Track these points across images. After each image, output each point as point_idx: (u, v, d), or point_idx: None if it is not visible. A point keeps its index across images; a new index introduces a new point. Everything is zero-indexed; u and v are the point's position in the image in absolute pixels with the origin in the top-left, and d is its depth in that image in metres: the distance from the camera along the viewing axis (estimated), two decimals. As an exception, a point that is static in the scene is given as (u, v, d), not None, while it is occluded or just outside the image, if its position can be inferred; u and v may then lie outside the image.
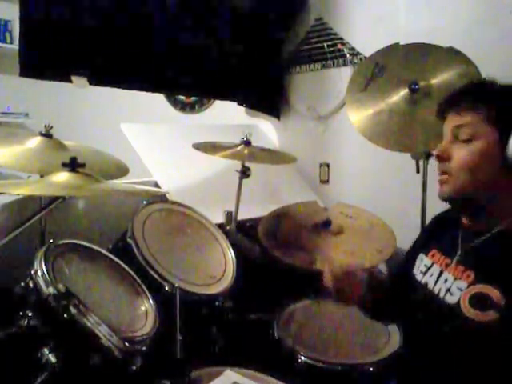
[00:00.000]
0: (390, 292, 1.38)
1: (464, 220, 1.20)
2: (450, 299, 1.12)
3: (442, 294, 1.15)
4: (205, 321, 1.71)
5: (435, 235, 1.29)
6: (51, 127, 1.74)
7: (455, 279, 1.13)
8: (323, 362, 1.54)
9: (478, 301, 1.07)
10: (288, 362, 1.57)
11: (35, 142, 1.70)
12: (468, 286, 1.10)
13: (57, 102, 3.91)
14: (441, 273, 1.18)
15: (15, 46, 3.51)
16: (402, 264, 1.38)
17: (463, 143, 1.12)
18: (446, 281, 1.15)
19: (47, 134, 1.73)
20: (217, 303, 1.70)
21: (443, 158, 1.14)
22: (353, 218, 2.21)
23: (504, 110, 1.10)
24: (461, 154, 1.11)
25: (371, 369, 1.52)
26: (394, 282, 1.43)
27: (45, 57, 2.07)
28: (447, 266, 1.17)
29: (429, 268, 1.22)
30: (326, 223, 2.16)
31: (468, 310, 1.08)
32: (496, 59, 2.04)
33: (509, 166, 1.07)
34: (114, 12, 2.17)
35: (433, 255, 1.23)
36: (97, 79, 2.23)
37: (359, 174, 2.62)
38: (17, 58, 2.01)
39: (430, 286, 1.19)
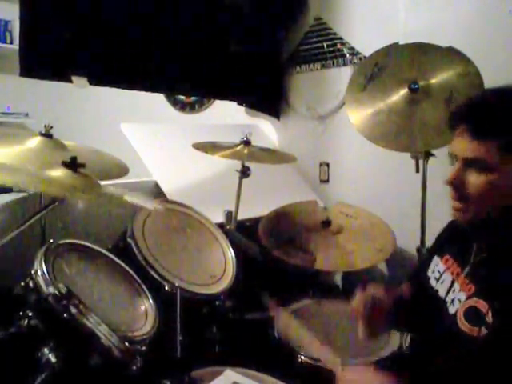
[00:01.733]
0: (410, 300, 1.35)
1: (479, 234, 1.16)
2: (451, 309, 1.12)
3: (448, 304, 1.14)
4: (205, 321, 1.71)
5: (452, 240, 1.25)
6: (51, 127, 1.74)
7: (460, 290, 1.12)
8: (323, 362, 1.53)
9: (472, 315, 1.05)
10: (288, 362, 1.57)
11: (35, 142, 1.70)
12: (466, 299, 1.09)
13: (57, 102, 3.91)
14: (452, 282, 1.16)
15: (15, 46, 3.52)
16: (419, 266, 1.37)
17: (478, 171, 1.03)
18: (454, 291, 1.14)
19: (47, 134, 1.73)
20: (217, 303, 1.70)
21: (457, 187, 1.06)
22: (352, 218, 2.21)
23: None
24: (477, 184, 1.04)
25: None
26: (412, 285, 1.40)
27: (45, 57, 2.06)
28: (458, 275, 1.15)
29: (441, 274, 1.20)
30: (326, 223, 2.17)
31: (462, 323, 1.07)
32: (496, 59, 2.05)
33: None
34: (114, 12, 2.17)
35: (446, 260, 1.21)
36: (97, 79, 2.23)
37: (359, 173, 2.62)
38: (17, 58, 2.01)
39: (441, 294, 1.18)
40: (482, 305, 1.04)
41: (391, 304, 1.29)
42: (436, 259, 1.25)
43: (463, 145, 1.05)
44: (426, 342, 1.23)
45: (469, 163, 1.05)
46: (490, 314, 1.01)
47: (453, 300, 1.13)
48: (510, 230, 1.08)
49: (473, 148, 1.03)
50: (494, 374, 1.01)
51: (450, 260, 1.20)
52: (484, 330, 1.02)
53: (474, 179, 1.04)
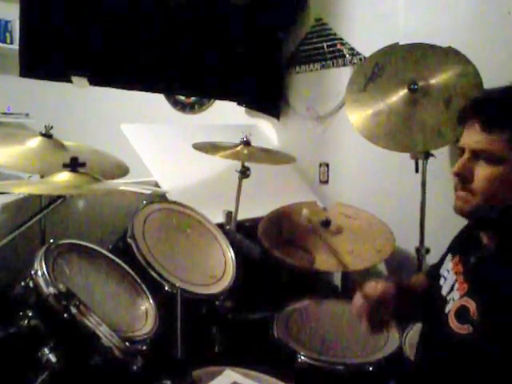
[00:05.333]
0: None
1: (482, 234, 1.17)
2: (447, 308, 1.13)
3: (447, 307, 1.15)
4: (205, 321, 1.71)
5: (463, 239, 1.27)
6: (51, 127, 1.74)
7: (457, 289, 1.14)
8: (323, 362, 1.54)
9: (461, 313, 1.07)
10: (288, 361, 1.57)
11: (35, 142, 1.71)
12: (459, 298, 1.10)
13: (57, 102, 3.92)
14: (455, 281, 1.17)
15: (15, 46, 3.53)
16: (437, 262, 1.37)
17: (487, 163, 1.05)
18: (453, 290, 1.16)
19: (47, 134, 1.73)
20: (217, 303, 1.71)
21: (464, 177, 1.07)
22: (352, 218, 2.22)
23: None
24: (485, 175, 1.05)
25: (371, 369, 1.52)
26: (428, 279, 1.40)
27: (45, 57, 2.07)
28: (459, 274, 1.16)
29: (449, 273, 1.22)
30: (326, 223, 2.17)
31: (452, 321, 1.09)
32: (495, 59, 2.05)
33: None
34: (114, 12, 2.17)
35: (455, 262, 1.22)
36: (97, 79, 2.23)
37: (358, 174, 2.62)
38: (17, 58, 2.01)
39: (443, 292, 1.19)
40: (470, 303, 1.06)
41: (395, 295, 1.27)
42: (449, 257, 1.26)
43: (472, 137, 1.07)
44: (423, 340, 1.24)
45: (477, 155, 1.06)
46: (475, 311, 1.03)
47: (450, 300, 1.14)
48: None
49: (481, 140, 1.04)
50: (480, 372, 1.03)
51: (458, 260, 1.21)
52: (469, 328, 1.04)
53: (482, 171, 1.05)
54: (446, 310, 1.13)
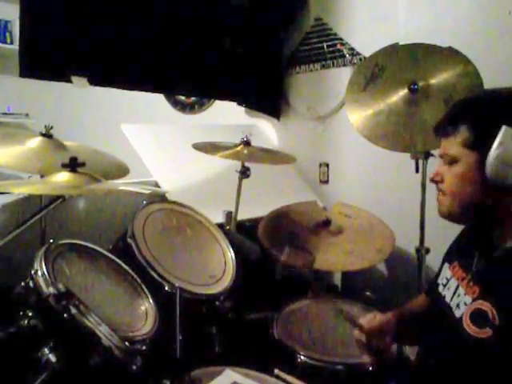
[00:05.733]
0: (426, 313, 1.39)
1: (480, 236, 1.20)
2: (457, 313, 1.13)
3: (453, 308, 1.16)
4: (205, 321, 1.71)
5: (460, 247, 1.30)
6: (51, 127, 1.74)
7: (465, 294, 1.14)
8: (323, 362, 1.54)
9: (477, 317, 1.07)
10: (288, 361, 1.57)
11: (35, 142, 1.70)
12: (472, 302, 1.10)
13: (57, 102, 3.92)
14: (457, 287, 1.18)
15: (15, 46, 3.53)
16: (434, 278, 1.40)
17: (448, 165, 1.16)
18: (458, 295, 1.16)
19: (47, 134, 1.73)
20: (217, 303, 1.70)
21: (437, 181, 1.20)
22: (352, 218, 2.22)
23: (479, 133, 1.10)
24: (448, 176, 1.16)
25: (371, 368, 1.52)
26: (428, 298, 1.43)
27: (45, 57, 2.07)
28: (463, 280, 1.17)
29: (448, 280, 1.23)
30: (326, 223, 2.17)
31: (468, 326, 1.08)
32: (495, 59, 2.05)
33: (492, 187, 1.08)
34: (114, 12, 2.17)
35: (454, 267, 1.24)
36: (97, 79, 2.23)
37: (359, 174, 2.63)
38: (17, 58, 2.02)
39: (447, 299, 1.20)
40: (487, 306, 1.05)
41: (395, 324, 1.35)
42: (445, 266, 1.28)
43: (441, 143, 1.20)
44: (433, 348, 1.24)
45: (443, 159, 1.18)
46: (495, 314, 1.03)
47: (458, 304, 1.14)
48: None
49: (443, 145, 1.18)
50: (502, 374, 1.03)
51: (456, 267, 1.23)
52: (490, 331, 1.03)
53: (446, 173, 1.17)
54: (457, 315, 1.12)
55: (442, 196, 1.19)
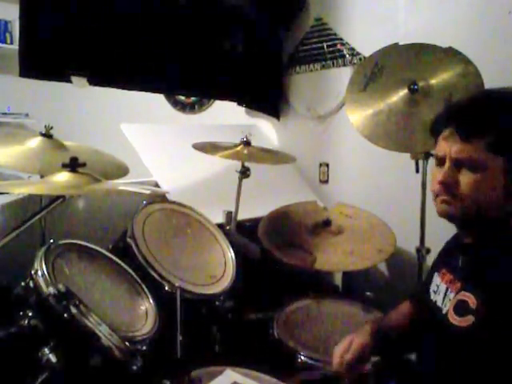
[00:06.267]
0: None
1: (466, 238, 1.21)
2: (444, 310, 1.16)
3: (442, 308, 1.18)
4: (205, 321, 1.71)
5: (447, 254, 1.31)
6: (51, 127, 1.74)
7: (451, 292, 1.17)
8: (323, 362, 1.54)
9: (459, 307, 1.10)
10: (288, 361, 1.57)
11: (35, 142, 1.70)
12: (455, 296, 1.14)
13: (57, 102, 3.92)
14: (446, 290, 1.20)
15: (15, 46, 3.52)
16: (420, 285, 1.42)
17: (469, 170, 1.09)
18: (447, 296, 1.19)
19: (47, 134, 1.73)
20: (217, 303, 1.70)
21: (449, 186, 1.11)
22: (352, 218, 2.22)
23: (506, 137, 1.07)
24: (469, 181, 1.09)
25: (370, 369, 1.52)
26: (413, 304, 1.44)
27: (45, 57, 2.06)
28: (450, 282, 1.19)
29: (438, 286, 1.25)
30: (326, 223, 2.17)
31: (452, 317, 1.11)
32: (495, 59, 2.05)
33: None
34: (114, 12, 2.17)
35: (443, 274, 1.25)
36: (97, 79, 2.23)
37: (359, 173, 2.62)
38: (17, 58, 2.01)
39: (439, 303, 1.21)
40: (467, 296, 1.09)
41: (372, 345, 1.32)
42: (435, 276, 1.29)
43: (453, 147, 1.11)
44: (427, 351, 1.25)
45: (459, 163, 1.10)
46: (474, 301, 1.06)
47: (446, 303, 1.17)
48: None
49: (463, 149, 1.09)
50: (487, 357, 1.05)
51: (445, 273, 1.24)
52: (471, 318, 1.06)
53: (466, 178, 1.09)
54: (444, 312, 1.16)
55: (452, 199, 1.11)
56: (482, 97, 1.23)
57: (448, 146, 1.12)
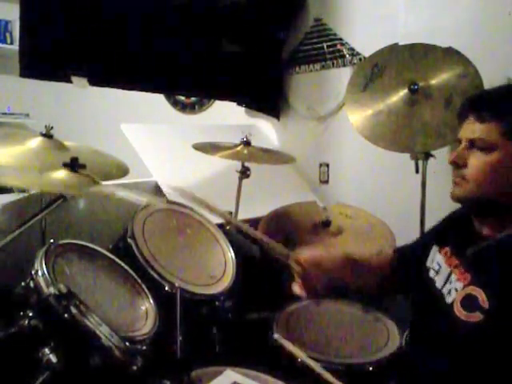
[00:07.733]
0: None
1: (476, 223, 1.20)
2: (448, 299, 1.15)
3: (445, 294, 1.17)
4: (205, 321, 1.71)
5: (450, 232, 1.29)
6: (52, 127, 1.74)
7: (456, 280, 1.15)
8: (323, 362, 1.54)
9: (468, 302, 1.09)
10: (288, 361, 1.57)
11: (36, 142, 1.70)
12: (463, 288, 1.12)
13: (57, 102, 3.92)
14: (449, 274, 1.19)
15: (15, 46, 3.53)
16: (413, 245, 1.43)
17: (480, 151, 1.11)
18: (451, 282, 1.17)
19: (48, 135, 1.73)
20: (217, 303, 1.71)
21: (459, 165, 1.14)
22: (352, 219, 2.21)
23: None
24: (477, 163, 1.11)
25: (371, 369, 1.52)
26: (400, 257, 1.47)
27: (45, 57, 2.07)
28: (455, 267, 1.18)
29: (440, 267, 1.23)
30: (326, 223, 2.17)
31: (459, 311, 1.10)
32: (495, 59, 2.05)
33: None
34: (114, 12, 2.17)
35: (445, 253, 1.24)
36: (97, 80, 2.23)
37: (359, 174, 2.62)
38: (17, 58, 2.02)
39: (438, 285, 1.21)
40: (478, 292, 1.08)
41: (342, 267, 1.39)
42: (435, 249, 1.28)
43: (468, 128, 1.14)
44: (423, 333, 1.25)
45: (472, 144, 1.13)
46: (485, 299, 1.05)
47: (450, 290, 1.15)
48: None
49: (476, 129, 1.12)
50: (492, 357, 1.05)
51: (448, 253, 1.23)
52: (480, 316, 1.05)
53: (475, 159, 1.12)
54: (448, 301, 1.14)
55: (461, 181, 1.14)
56: (506, 86, 1.27)
57: (465, 128, 1.16)
